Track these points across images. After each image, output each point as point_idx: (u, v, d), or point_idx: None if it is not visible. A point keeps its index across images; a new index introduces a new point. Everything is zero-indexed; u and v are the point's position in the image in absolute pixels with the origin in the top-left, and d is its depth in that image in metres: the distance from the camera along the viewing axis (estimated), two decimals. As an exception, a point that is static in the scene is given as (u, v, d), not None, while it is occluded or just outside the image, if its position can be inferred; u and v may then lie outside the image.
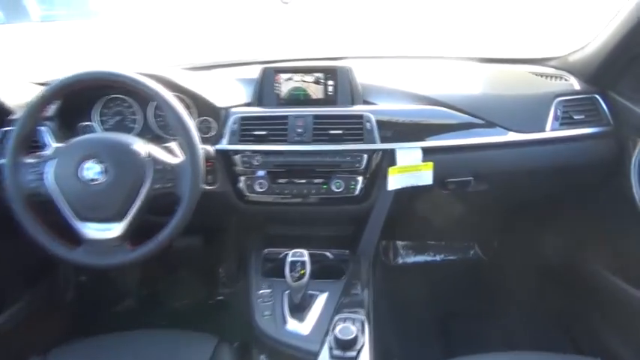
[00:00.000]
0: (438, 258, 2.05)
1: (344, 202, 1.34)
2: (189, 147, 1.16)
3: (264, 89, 1.41)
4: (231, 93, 1.43)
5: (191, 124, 1.17)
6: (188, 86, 1.36)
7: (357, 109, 1.35)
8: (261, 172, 1.34)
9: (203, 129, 1.38)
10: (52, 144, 1.23)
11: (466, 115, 1.35)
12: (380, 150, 1.32)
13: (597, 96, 1.40)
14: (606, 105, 1.39)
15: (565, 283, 1.68)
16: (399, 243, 2.06)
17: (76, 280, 1.82)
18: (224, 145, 1.34)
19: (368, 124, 1.31)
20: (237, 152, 1.34)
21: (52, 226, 1.16)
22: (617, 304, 1.45)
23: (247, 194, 1.36)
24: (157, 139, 1.37)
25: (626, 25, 1.21)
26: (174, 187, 1.15)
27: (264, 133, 1.33)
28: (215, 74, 1.57)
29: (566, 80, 1.46)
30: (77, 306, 1.80)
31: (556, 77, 1.47)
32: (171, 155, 1.20)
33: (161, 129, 1.43)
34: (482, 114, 1.35)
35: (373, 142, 1.31)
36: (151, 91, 1.16)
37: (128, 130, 1.42)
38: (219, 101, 1.37)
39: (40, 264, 1.61)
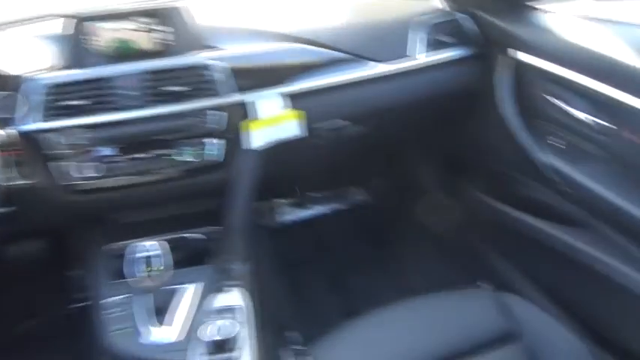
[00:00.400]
0: (322, 210, 1.93)
1: (201, 171, 1.11)
2: None
3: (76, 46, 1.08)
4: (30, 56, 1.08)
5: None
6: None
7: (201, 57, 1.09)
8: (90, 153, 1.05)
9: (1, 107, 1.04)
10: None
11: (329, 51, 1.17)
12: (235, 103, 1.09)
13: (463, 15, 1.30)
14: (471, 23, 1.30)
15: (452, 213, 1.66)
16: (278, 201, 1.89)
17: None
18: (30, 124, 1.01)
19: (216, 75, 1.07)
20: (51, 131, 1.02)
21: None
22: (498, 226, 1.44)
23: (76, 182, 1.06)
24: None
25: None
26: None
27: (83, 102, 1.02)
28: (5, 35, 1.19)
29: (430, 1, 1.34)
30: None
31: (420, -2, 1.35)
32: None
33: None
34: (345, 47, 1.19)
35: (225, 94, 1.08)
36: None
37: None
38: (13, 68, 1.03)
39: None
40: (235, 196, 1.14)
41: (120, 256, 1.14)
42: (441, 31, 1.26)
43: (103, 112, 1.03)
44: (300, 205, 1.90)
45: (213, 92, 1.07)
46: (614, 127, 1.02)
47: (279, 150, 1.17)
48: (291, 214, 1.88)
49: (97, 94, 1.03)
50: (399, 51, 1.22)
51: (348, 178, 1.91)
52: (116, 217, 1.23)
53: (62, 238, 1.46)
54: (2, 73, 1.02)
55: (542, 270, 1.31)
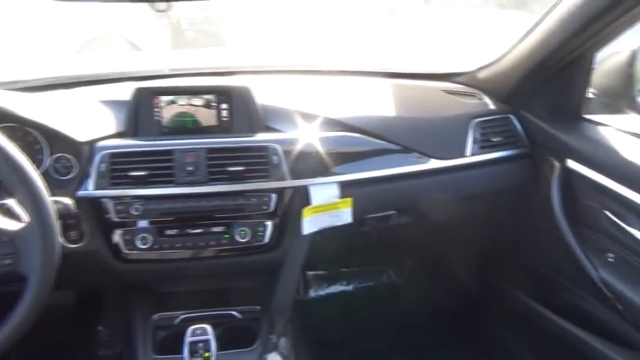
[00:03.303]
0: (351, 286, 1.90)
1: (251, 252, 1.12)
2: (34, 206, 0.85)
3: (139, 115, 1.12)
4: (94, 120, 1.11)
5: (33, 173, 0.86)
6: (31, 115, 1.03)
7: (260, 138, 1.12)
8: (142, 223, 1.07)
9: (60, 170, 1.06)
10: None
11: (383, 142, 1.20)
12: (290, 188, 1.11)
13: (511, 116, 1.33)
14: (520, 125, 1.33)
15: (481, 305, 1.62)
16: (309, 274, 1.88)
17: None
18: (90, 190, 1.03)
19: (274, 157, 1.10)
20: (108, 198, 1.04)
21: None
22: (535, 328, 1.40)
23: (126, 251, 1.07)
24: None
25: (546, 45, 1.14)
26: (16, 264, 0.83)
27: (143, 173, 1.05)
28: (70, 95, 1.23)
29: (479, 99, 1.37)
30: None
31: (470, 96, 1.38)
32: (10, 218, 0.87)
33: None
34: (399, 139, 1.21)
35: (282, 178, 1.09)
36: None
37: None
38: (79, 133, 1.06)
39: None
40: (282, 280, 1.13)
41: (165, 326, 1.13)
42: (492, 131, 1.29)
43: (159, 185, 1.05)
44: (328, 279, 1.88)
45: (268, 174, 1.09)
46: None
47: (325, 235, 1.17)
48: (320, 289, 1.86)
49: (156, 167, 1.06)
50: (451, 148, 1.24)
51: (379, 257, 1.90)
52: (159, 286, 1.22)
53: (97, 291, 1.44)
54: (69, 138, 1.05)
55: None
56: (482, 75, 1.40)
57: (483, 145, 1.27)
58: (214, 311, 1.17)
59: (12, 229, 0.84)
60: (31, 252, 0.83)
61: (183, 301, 1.19)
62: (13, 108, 1.00)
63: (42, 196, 0.85)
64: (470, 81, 1.43)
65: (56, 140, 1.05)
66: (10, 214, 0.88)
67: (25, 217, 0.88)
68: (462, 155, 1.25)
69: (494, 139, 1.28)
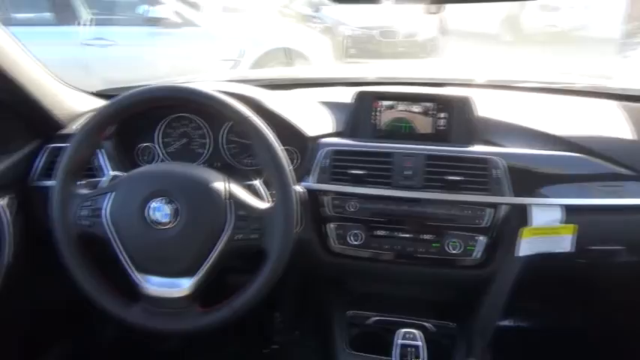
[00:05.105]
0: (525, 323, 1.74)
1: (459, 266, 1.08)
2: (282, 189, 0.91)
3: (359, 118, 1.17)
4: (315, 119, 1.19)
5: (287, 161, 0.93)
6: (274, 109, 1.13)
7: (481, 150, 1.09)
8: (356, 221, 1.09)
9: None
10: (110, 172, 1.01)
11: (615, 166, 1.08)
12: (509, 205, 1.05)
13: None
14: None
15: None
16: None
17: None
18: (311, 183, 1.10)
19: (495, 171, 1.05)
20: (326, 193, 1.10)
21: (105, 274, 0.93)
22: None
23: (336, 245, 1.11)
24: (228, 169, 1.14)
25: None
26: (260, 240, 0.91)
27: (362, 172, 1.08)
28: (296, 94, 1.34)
29: None
30: (117, 350, 1.55)
31: None
32: (257, 198, 0.95)
33: (233, 156, 1.20)
34: (636, 165, 1.07)
35: (501, 194, 1.04)
36: (240, 117, 0.93)
37: (195, 156, 1.20)
38: (307, 129, 1.14)
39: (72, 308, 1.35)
40: (489, 300, 1.08)
41: (358, 324, 1.15)
42: None
43: (377, 186, 1.07)
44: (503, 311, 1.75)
45: (487, 188, 1.05)
46: None
47: (539, 261, 1.09)
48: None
49: (374, 167, 1.08)
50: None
51: (565, 296, 1.71)
52: (355, 284, 1.25)
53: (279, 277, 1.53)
54: (299, 132, 1.13)
55: None
56: None
57: None
58: (407, 319, 1.15)
59: (261, 207, 0.92)
60: (275, 231, 0.90)
61: (374, 302, 1.20)
62: (265, 102, 1.11)
63: (290, 182, 0.91)
64: None
65: (286, 133, 1.14)
66: (256, 194, 0.97)
67: (267, 198, 0.96)
68: None
69: None
